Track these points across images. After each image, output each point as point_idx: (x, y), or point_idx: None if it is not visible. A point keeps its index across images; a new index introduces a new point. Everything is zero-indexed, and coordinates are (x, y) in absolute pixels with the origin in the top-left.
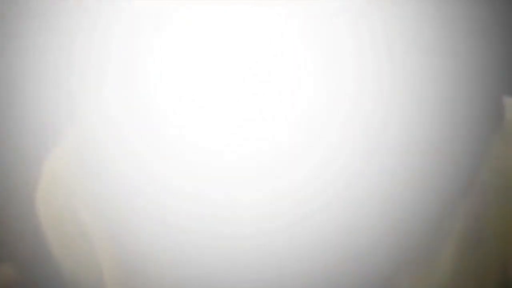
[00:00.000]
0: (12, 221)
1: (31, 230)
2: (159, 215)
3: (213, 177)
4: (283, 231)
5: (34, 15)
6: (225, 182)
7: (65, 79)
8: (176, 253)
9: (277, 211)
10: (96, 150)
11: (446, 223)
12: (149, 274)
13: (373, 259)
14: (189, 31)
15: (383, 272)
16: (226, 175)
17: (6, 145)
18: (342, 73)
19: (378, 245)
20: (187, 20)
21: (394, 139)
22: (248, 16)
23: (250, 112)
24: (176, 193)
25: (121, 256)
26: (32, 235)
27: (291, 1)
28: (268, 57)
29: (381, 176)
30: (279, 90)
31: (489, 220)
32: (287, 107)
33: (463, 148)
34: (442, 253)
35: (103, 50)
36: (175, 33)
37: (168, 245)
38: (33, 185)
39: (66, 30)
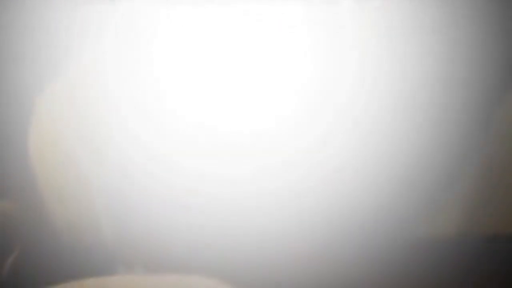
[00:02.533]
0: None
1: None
2: (154, 185)
3: (211, 152)
4: (282, 206)
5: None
6: (222, 158)
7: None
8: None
9: (276, 186)
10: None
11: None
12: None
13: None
14: (190, 14)
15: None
16: (223, 150)
17: None
18: (342, 50)
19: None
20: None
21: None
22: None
23: (249, 88)
24: (173, 168)
25: (114, 200)
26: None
27: None
28: (268, 35)
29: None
30: (279, 66)
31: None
32: (287, 82)
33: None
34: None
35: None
36: (176, 17)
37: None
38: (26, 123)
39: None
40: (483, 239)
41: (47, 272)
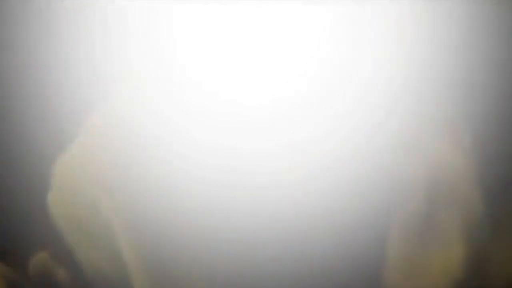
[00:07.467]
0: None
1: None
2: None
3: (232, 128)
4: (300, 183)
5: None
6: (243, 133)
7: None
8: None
9: (296, 163)
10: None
11: None
12: (175, 265)
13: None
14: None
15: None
16: (244, 126)
17: (19, 144)
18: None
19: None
20: None
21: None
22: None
23: (269, 64)
24: (196, 145)
25: (145, 247)
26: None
27: None
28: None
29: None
30: (298, 43)
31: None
32: (306, 58)
33: None
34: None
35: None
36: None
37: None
38: (46, 184)
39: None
40: None
41: None
